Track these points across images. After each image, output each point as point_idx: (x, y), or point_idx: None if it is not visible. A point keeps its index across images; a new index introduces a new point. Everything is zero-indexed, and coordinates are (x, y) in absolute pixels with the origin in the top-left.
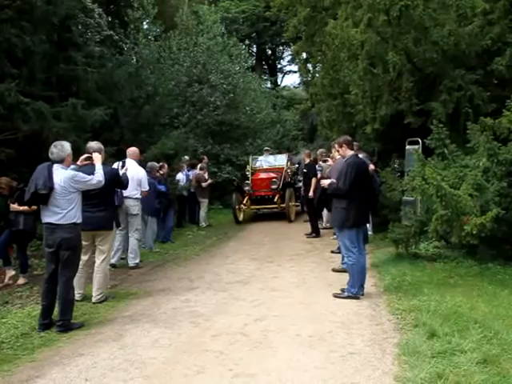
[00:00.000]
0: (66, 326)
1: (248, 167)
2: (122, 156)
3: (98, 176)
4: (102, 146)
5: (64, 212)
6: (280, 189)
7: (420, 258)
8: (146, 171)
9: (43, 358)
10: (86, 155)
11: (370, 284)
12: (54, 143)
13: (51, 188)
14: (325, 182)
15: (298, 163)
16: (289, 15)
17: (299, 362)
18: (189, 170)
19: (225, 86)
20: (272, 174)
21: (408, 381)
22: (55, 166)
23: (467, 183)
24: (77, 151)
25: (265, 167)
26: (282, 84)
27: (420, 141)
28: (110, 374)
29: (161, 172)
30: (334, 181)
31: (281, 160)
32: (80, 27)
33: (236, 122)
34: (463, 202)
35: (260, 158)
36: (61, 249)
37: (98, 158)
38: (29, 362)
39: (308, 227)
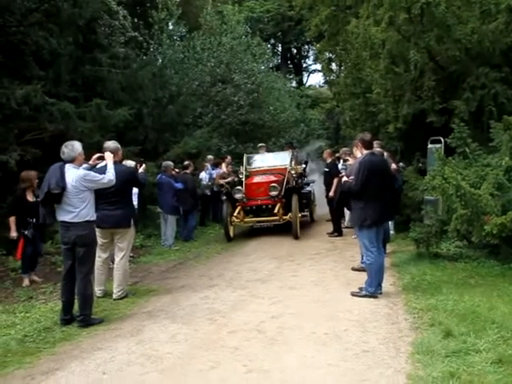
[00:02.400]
0: (86, 321)
1: (241, 168)
2: (145, 155)
3: (109, 175)
4: (118, 145)
5: (77, 210)
6: (282, 196)
7: (441, 258)
8: (162, 171)
9: (63, 352)
10: (98, 154)
11: (388, 283)
12: (65, 143)
13: (63, 187)
14: (344, 179)
15: (305, 162)
16: (311, 14)
17: (313, 359)
18: (213, 169)
19: (248, 85)
20: (271, 177)
21: (420, 379)
22: (67, 165)
23: (488, 182)
24: (101, 151)
25: (262, 168)
26: (308, 83)
27: (442, 140)
28: (127, 368)
29: (187, 171)
30: (352, 177)
31: (282, 159)
32: (105, 29)
33: (260, 121)
34: (483, 202)
35: (255, 156)
36: (76, 246)
37: (109, 158)
38: (50, 355)
39: (330, 226)
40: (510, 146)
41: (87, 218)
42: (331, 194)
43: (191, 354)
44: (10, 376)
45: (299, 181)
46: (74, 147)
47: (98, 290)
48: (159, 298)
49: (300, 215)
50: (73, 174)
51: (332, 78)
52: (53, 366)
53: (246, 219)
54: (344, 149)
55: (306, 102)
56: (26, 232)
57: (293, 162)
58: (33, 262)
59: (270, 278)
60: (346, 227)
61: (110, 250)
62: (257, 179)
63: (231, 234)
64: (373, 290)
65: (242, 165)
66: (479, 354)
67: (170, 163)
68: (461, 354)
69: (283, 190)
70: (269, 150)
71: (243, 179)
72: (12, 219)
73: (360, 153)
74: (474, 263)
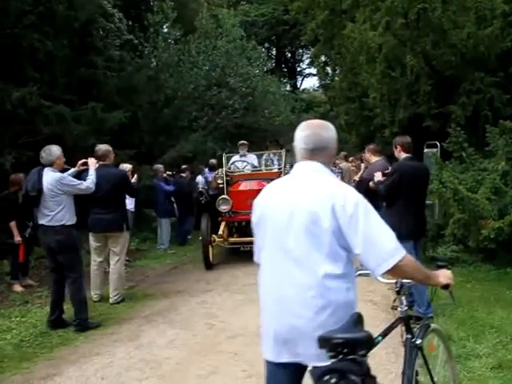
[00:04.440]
0: (83, 325)
1: (220, 172)
2: (141, 159)
3: (89, 182)
4: (110, 148)
5: (52, 214)
6: None
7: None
8: (153, 174)
9: (61, 357)
10: (83, 160)
11: (386, 288)
12: (44, 148)
13: (40, 190)
14: (377, 175)
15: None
16: (307, 19)
17: None
18: (209, 173)
19: (243, 89)
20: (266, 184)
21: None
22: (46, 169)
23: (485, 187)
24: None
25: (248, 172)
26: (302, 87)
27: (438, 144)
28: (126, 374)
29: (182, 174)
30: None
31: (273, 160)
32: (100, 32)
33: (255, 125)
34: (481, 206)
35: (237, 157)
36: (57, 251)
37: (92, 164)
38: (47, 360)
39: None
40: (506, 150)
41: (63, 222)
42: None
43: (190, 359)
44: (6, 382)
45: None
46: (52, 151)
47: (94, 294)
48: (156, 302)
49: None
50: (49, 177)
51: (327, 81)
52: (50, 371)
53: (232, 239)
54: (342, 153)
55: (300, 105)
56: (27, 235)
57: (287, 166)
58: (25, 267)
59: None
60: None
61: (105, 254)
62: (245, 186)
63: (211, 258)
64: (423, 309)
65: (222, 167)
66: (479, 359)
67: (160, 166)
68: (461, 359)
69: None
70: (250, 149)
71: (223, 185)
72: (13, 224)
73: (398, 156)
74: (471, 267)
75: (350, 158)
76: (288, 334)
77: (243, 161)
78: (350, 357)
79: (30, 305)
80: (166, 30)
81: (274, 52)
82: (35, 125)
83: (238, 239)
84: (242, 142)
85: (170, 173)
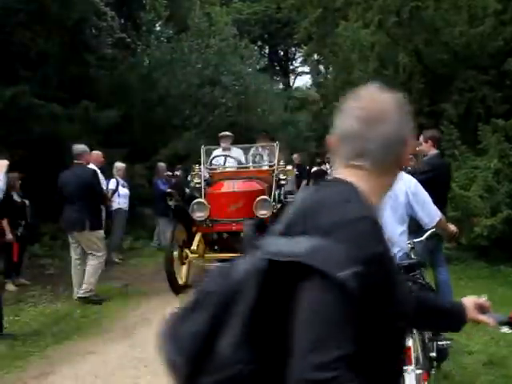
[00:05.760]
0: None
1: (197, 169)
2: (134, 157)
3: None
4: (87, 149)
5: None
6: (275, 214)
7: None
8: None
9: (55, 355)
10: None
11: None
12: None
13: None
14: None
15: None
16: (300, 17)
17: None
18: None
19: (236, 87)
20: (256, 184)
21: None
22: None
23: (478, 184)
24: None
25: (232, 170)
26: (295, 85)
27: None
28: (119, 372)
29: (177, 173)
30: None
31: (263, 156)
32: (93, 30)
33: (248, 123)
34: (473, 204)
35: (216, 151)
36: None
37: (1, 166)
38: (40, 359)
39: None
40: (498, 148)
41: None
42: None
43: None
44: (0, 381)
45: (281, 191)
46: None
47: (76, 291)
48: (150, 300)
49: None
50: None
51: (320, 80)
52: (44, 369)
53: (208, 255)
54: None
55: (293, 104)
56: (19, 233)
57: (281, 162)
58: (18, 266)
59: None
60: None
61: (80, 252)
62: (228, 187)
63: (181, 279)
64: None
65: (200, 163)
66: (471, 355)
67: (163, 164)
68: (453, 355)
69: (276, 206)
70: (234, 142)
71: (202, 185)
72: (5, 222)
73: (427, 151)
74: (463, 265)
75: None
76: None
77: (226, 155)
78: (412, 273)
79: (23, 303)
80: (158, 29)
81: (266, 50)
82: (27, 124)
83: (217, 255)
84: (225, 133)
85: (170, 173)
